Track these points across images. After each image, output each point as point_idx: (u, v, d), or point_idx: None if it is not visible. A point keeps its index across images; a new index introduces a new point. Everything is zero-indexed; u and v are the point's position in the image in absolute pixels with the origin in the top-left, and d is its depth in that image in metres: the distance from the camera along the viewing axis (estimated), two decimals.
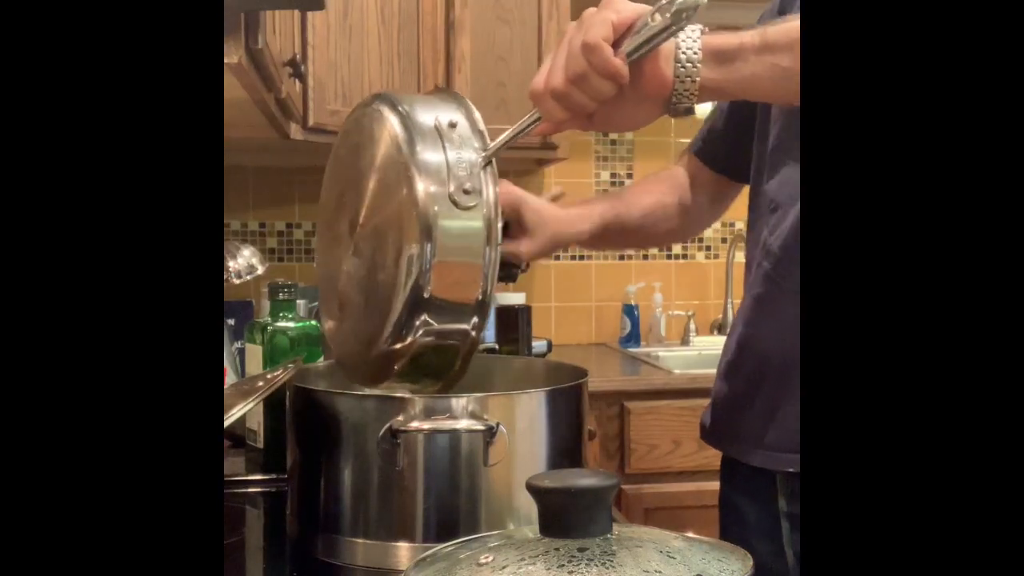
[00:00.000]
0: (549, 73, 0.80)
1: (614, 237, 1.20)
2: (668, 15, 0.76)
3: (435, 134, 0.78)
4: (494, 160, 0.79)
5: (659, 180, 1.26)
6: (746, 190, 1.19)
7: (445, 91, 0.86)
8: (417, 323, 0.77)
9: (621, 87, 0.79)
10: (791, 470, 1.04)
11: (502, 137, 0.80)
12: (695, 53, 0.81)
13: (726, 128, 1.21)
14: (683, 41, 0.80)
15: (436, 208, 0.75)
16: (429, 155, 0.77)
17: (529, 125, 0.82)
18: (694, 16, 0.76)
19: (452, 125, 0.79)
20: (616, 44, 0.78)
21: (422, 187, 0.76)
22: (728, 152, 1.20)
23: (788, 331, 1.03)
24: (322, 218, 0.93)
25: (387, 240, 0.79)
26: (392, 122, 0.79)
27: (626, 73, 0.78)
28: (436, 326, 0.77)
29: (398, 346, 0.78)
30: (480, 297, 0.78)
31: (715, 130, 1.23)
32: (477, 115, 0.81)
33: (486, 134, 0.80)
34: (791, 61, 0.80)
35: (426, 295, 0.76)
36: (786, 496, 1.05)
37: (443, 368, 0.81)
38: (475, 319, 0.78)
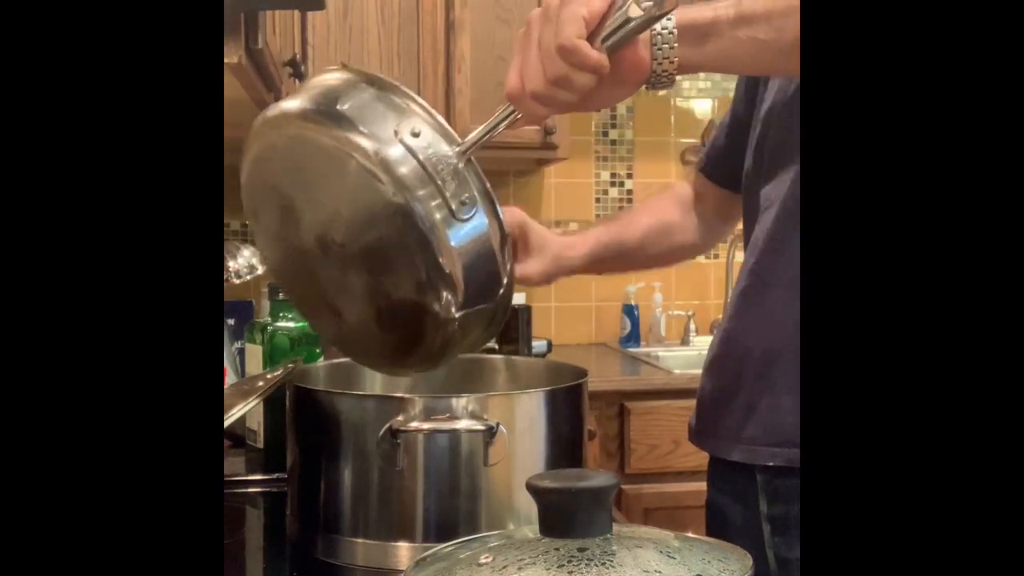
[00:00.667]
0: (524, 75, 0.77)
1: (615, 259, 1.19)
2: (648, 3, 0.74)
3: (402, 149, 0.75)
4: (472, 154, 0.77)
5: (661, 199, 1.26)
6: None
7: (351, 76, 0.81)
8: (455, 316, 0.79)
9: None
10: (770, 463, 1.03)
11: (477, 133, 0.78)
12: (670, 32, 0.79)
13: (728, 143, 1.20)
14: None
15: (444, 232, 0.76)
16: (411, 177, 0.75)
17: (505, 120, 0.79)
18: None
19: (415, 134, 0.76)
20: (593, 35, 0.76)
21: (425, 216, 0.75)
22: (732, 167, 1.19)
23: (770, 324, 1.03)
24: (261, 229, 0.90)
25: (395, 265, 0.79)
26: (354, 144, 0.76)
27: (607, 64, 0.76)
28: (470, 312, 0.79)
29: (439, 343, 0.81)
30: (503, 271, 0.80)
31: (717, 146, 1.23)
32: (423, 102, 0.78)
33: (449, 128, 0.78)
34: (767, 33, 0.79)
35: (460, 299, 0.78)
36: (767, 498, 1.04)
37: (486, 327, 0.84)
38: (505, 283, 0.80)
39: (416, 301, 0.79)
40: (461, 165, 0.76)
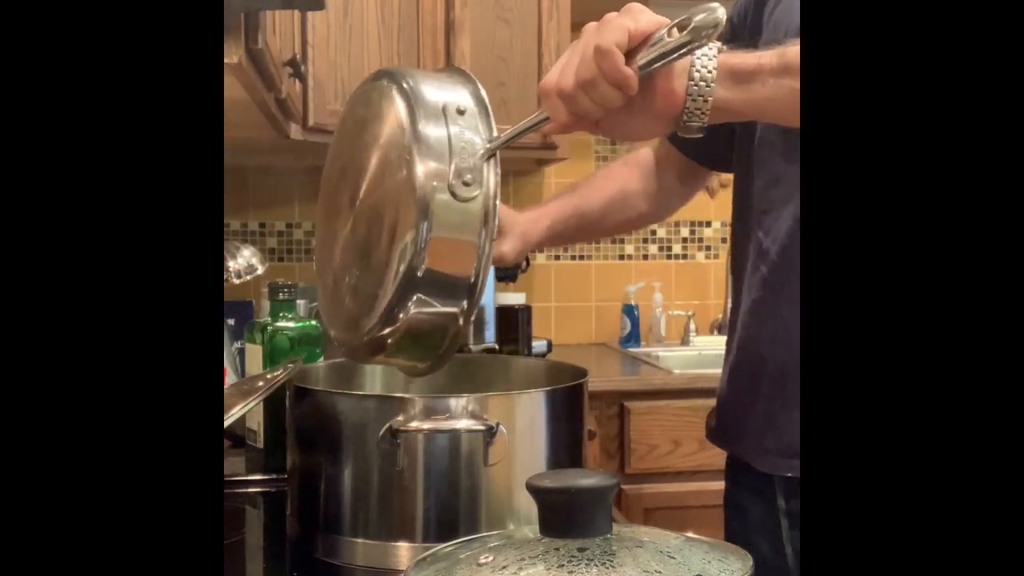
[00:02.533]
0: (560, 72, 0.79)
1: (576, 231, 1.22)
2: (686, 32, 0.74)
3: (441, 120, 0.78)
4: (497, 153, 0.79)
5: (623, 165, 1.26)
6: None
7: (457, 71, 0.85)
8: (409, 302, 0.78)
9: (631, 98, 0.78)
10: (789, 475, 1.04)
11: (508, 132, 0.80)
12: (710, 72, 0.78)
13: None
14: (698, 59, 0.78)
15: (434, 196, 0.76)
16: (433, 142, 0.77)
17: (537, 123, 0.81)
18: (713, 35, 0.74)
19: (460, 112, 0.79)
20: (632, 54, 0.77)
21: (422, 174, 0.76)
22: (701, 139, 1.20)
23: (785, 337, 1.03)
24: (324, 187, 0.94)
25: (383, 221, 0.79)
26: (399, 103, 0.79)
27: (635, 84, 0.77)
28: (426, 304, 0.78)
29: (387, 327, 0.79)
30: (472, 279, 0.78)
31: None
32: (487, 102, 0.81)
33: (493, 123, 0.80)
34: None
35: (419, 274, 0.77)
36: (784, 494, 1.06)
37: (429, 348, 0.82)
38: (465, 302, 0.79)
39: (387, 255, 0.78)
40: (484, 155, 0.78)
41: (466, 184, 0.77)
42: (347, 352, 0.89)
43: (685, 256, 3.00)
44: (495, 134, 0.79)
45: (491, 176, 0.78)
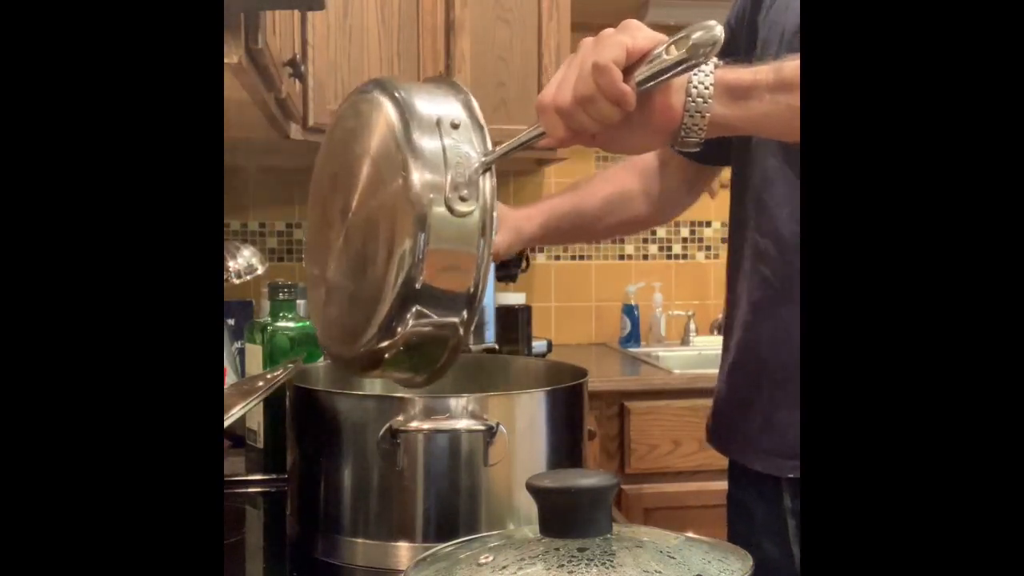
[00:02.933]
0: (557, 88, 0.78)
1: (572, 229, 1.21)
2: (683, 50, 0.74)
3: (436, 133, 0.77)
4: (493, 165, 0.78)
5: (625, 168, 1.26)
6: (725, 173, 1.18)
7: (447, 82, 0.85)
8: (407, 314, 0.77)
9: (628, 113, 0.78)
10: (791, 476, 1.04)
11: (503, 147, 0.79)
12: (707, 88, 0.79)
13: None
14: (695, 75, 0.78)
15: (431, 209, 0.75)
16: (428, 157, 0.76)
17: (532, 138, 0.81)
18: (711, 53, 0.74)
19: (455, 126, 0.78)
20: (630, 70, 0.77)
21: (419, 186, 0.75)
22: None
23: (785, 337, 1.03)
24: (313, 198, 0.93)
25: (379, 234, 0.79)
26: (392, 116, 0.79)
27: (633, 101, 0.76)
28: (425, 317, 0.77)
29: (385, 340, 0.78)
30: (472, 289, 0.78)
31: None
32: (480, 114, 0.80)
33: (488, 135, 0.79)
34: None
35: (418, 286, 0.76)
36: (791, 494, 1.05)
37: (429, 361, 0.81)
38: (465, 313, 0.78)
39: (384, 269, 0.78)
40: (479, 168, 0.77)
41: (463, 199, 0.76)
42: (341, 365, 0.88)
43: (685, 256, 3.00)
44: (489, 146, 0.79)
45: (487, 189, 0.77)
